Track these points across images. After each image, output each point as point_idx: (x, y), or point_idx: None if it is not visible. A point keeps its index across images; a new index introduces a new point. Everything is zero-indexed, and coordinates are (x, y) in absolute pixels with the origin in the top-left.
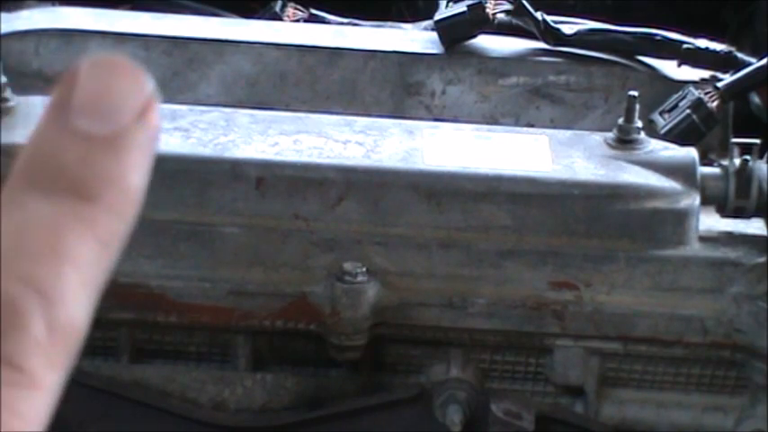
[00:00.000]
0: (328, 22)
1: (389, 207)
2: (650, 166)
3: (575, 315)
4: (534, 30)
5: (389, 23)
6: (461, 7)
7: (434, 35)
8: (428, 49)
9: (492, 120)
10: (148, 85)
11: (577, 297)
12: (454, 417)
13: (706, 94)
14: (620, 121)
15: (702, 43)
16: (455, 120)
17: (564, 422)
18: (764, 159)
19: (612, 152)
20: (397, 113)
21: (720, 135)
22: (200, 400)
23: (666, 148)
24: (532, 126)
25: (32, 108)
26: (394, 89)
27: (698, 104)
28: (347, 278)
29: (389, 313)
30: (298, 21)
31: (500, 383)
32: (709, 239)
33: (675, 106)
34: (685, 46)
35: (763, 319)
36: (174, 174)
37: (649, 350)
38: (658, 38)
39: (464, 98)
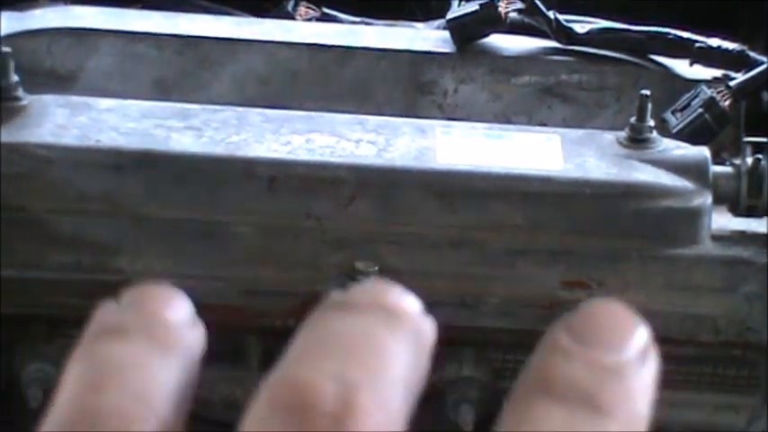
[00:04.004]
0: (340, 21)
1: (401, 206)
2: (662, 165)
3: None
4: (546, 29)
5: (402, 22)
6: (473, 6)
7: (447, 34)
8: (440, 48)
9: (504, 119)
10: (646, 332)
11: (590, 296)
12: (466, 416)
13: (718, 92)
14: (633, 120)
15: (715, 42)
16: (467, 119)
17: None
18: None
19: (625, 151)
20: (410, 112)
21: (732, 134)
22: (212, 399)
23: (679, 147)
24: (545, 125)
25: (44, 107)
26: (406, 88)
27: (710, 103)
28: (359, 277)
29: None
30: (310, 20)
31: (512, 383)
32: (721, 238)
33: (688, 105)
34: (698, 45)
35: None
36: (185, 173)
37: (661, 349)
38: (671, 37)
39: (476, 97)
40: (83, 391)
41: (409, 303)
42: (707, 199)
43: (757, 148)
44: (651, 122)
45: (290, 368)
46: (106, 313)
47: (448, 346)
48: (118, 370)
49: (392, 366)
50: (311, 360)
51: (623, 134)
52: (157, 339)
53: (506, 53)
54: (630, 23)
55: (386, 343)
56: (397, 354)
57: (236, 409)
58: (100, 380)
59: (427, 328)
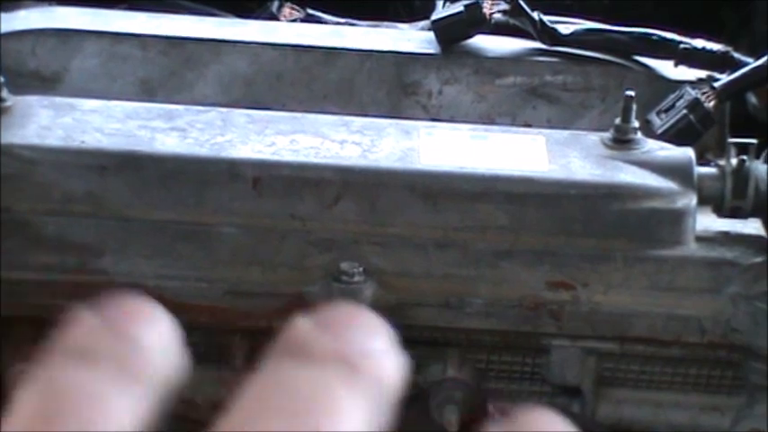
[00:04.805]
0: (325, 22)
1: (386, 207)
2: (647, 166)
3: (571, 315)
4: (531, 30)
5: (386, 23)
6: (458, 7)
7: (431, 35)
8: (425, 49)
9: (489, 119)
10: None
11: (574, 297)
12: (451, 416)
13: (703, 93)
14: (617, 120)
15: (699, 43)
16: (452, 120)
17: None
18: (761, 159)
19: (609, 152)
20: (394, 113)
21: (717, 135)
22: (197, 400)
23: (663, 148)
24: (529, 126)
25: (29, 108)
26: (391, 89)
27: (695, 104)
28: (344, 278)
29: (386, 313)
30: (294, 20)
31: (497, 383)
32: (706, 239)
33: (672, 106)
34: (682, 46)
35: (761, 318)
36: (170, 174)
37: (646, 350)
38: (655, 38)
39: (461, 98)
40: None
41: (374, 344)
42: (691, 200)
43: (742, 149)
44: (636, 123)
45: (233, 427)
46: (73, 328)
47: (432, 346)
48: (73, 405)
49: (344, 427)
50: (256, 420)
51: (608, 135)
52: (123, 367)
53: (491, 54)
54: (615, 24)
55: (341, 401)
56: (351, 412)
57: (220, 410)
58: (53, 415)
59: (391, 372)
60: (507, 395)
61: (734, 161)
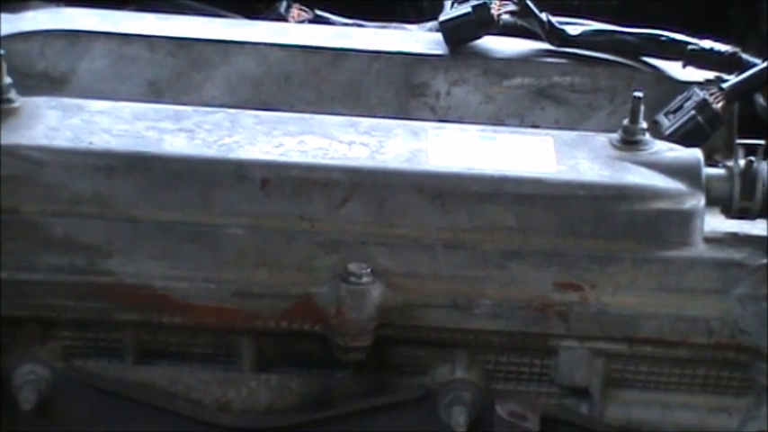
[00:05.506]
0: (333, 23)
1: (394, 208)
2: (655, 167)
3: (580, 316)
4: (539, 31)
5: (394, 24)
6: (466, 8)
7: (439, 36)
8: (433, 50)
9: (497, 120)
10: None
11: (582, 298)
12: (459, 417)
13: (711, 95)
14: (625, 122)
15: (707, 44)
16: (460, 120)
17: (569, 423)
18: None
19: (617, 153)
20: (402, 114)
21: (725, 136)
22: (205, 401)
23: (671, 149)
24: (537, 127)
25: (37, 109)
26: (399, 90)
27: (703, 105)
28: (352, 279)
29: (394, 314)
30: (302, 22)
31: (505, 384)
32: (714, 240)
33: (680, 107)
34: (690, 47)
35: None
36: (178, 175)
37: (654, 351)
38: (663, 39)
39: (469, 99)
40: None
41: None
42: (700, 201)
43: (750, 150)
44: (644, 124)
45: None
46: None
47: (440, 347)
48: None
49: None
50: None
51: (616, 136)
52: None
53: (499, 55)
54: (623, 25)
55: None
56: None
57: (228, 410)
58: None
59: None
60: (516, 396)
61: (742, 162)
